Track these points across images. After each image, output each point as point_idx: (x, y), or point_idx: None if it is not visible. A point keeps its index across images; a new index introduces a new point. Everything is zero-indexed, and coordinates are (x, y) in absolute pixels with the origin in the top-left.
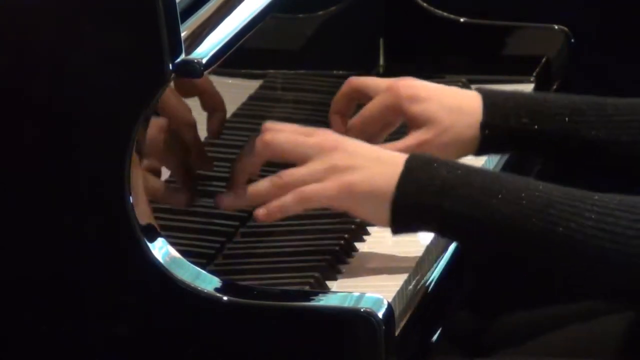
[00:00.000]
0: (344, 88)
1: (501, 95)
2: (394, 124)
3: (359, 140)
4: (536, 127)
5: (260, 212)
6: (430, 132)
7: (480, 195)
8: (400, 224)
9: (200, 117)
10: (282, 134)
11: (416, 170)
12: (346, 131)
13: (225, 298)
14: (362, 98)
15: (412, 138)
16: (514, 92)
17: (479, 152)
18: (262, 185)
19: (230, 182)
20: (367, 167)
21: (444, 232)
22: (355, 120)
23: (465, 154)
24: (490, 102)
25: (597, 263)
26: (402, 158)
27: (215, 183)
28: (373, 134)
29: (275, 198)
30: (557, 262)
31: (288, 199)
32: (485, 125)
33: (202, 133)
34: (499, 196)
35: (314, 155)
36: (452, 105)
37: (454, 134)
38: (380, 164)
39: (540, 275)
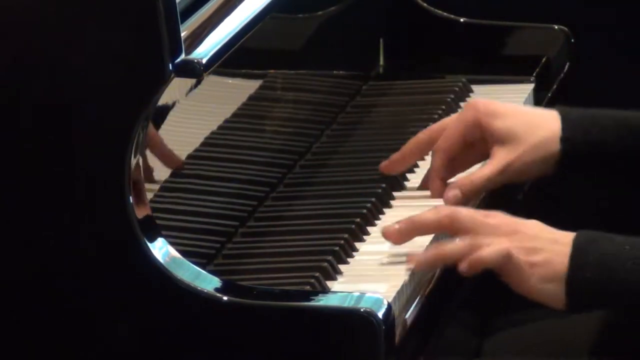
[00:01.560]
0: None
1: (579, 110)
2: (474, 146)
3: (534, 221)
4: (617, 141)
5: (462, 266)
6: (513, 151)
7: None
8: (578, 306)
9: (200, 118)
10: (465, 211)
11: (583, 251)
12: (432, 155)
13: (225, 298)
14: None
15: (497, 161)
16: (590, 109)
17: (558, 170)
18: (458, 248)
19: (406, 230)
20: (547, 250)
21: (618, 303)
22: (439, 143)
23: (545, 173)
24: (569, 117)
25: None
26: (569, 237)
27: (215, 183)
28: (457, 153)
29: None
30: None
31: (492, 254)
32: (565, 139)
33: (201, 133)
34: None
35: (492, 233)
36: (531, 121)
37: (535, 151)
38: (557, 245)
39: None
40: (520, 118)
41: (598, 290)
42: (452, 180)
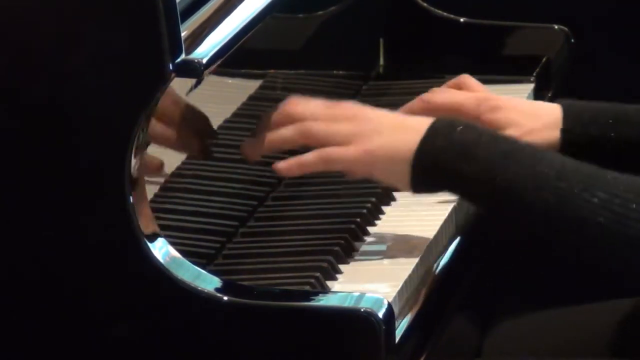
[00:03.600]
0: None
1: (580, 103)
2: None
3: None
4: (617, 133)
5: (281, 164)
6: (514, 133)
7: (496, 159)
8: (420, 185)
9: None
10: (315, 123)
11: (438, 133)
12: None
13: (225, 298)
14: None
15: None
16: (592, 102)
17: None
18: (287, 132)
19: (256, 137)
20: (389, 133)
21: (459, 193)
22: (430, 95)
23: None
24: (570, 109)
25: (599, 240)
26: (426, 123)
27: (215, 183)
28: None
29: (294, 145)
30: (561, 233)
31: (310, 156)
32: (565, 131)
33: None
34: (515, 161)
35: (337, 116)
36: (532, 111)
37: (535, 135)
38: (404, 130)
39: (546, 244)
40: (522, 110)
41: (441, 177)
42: None
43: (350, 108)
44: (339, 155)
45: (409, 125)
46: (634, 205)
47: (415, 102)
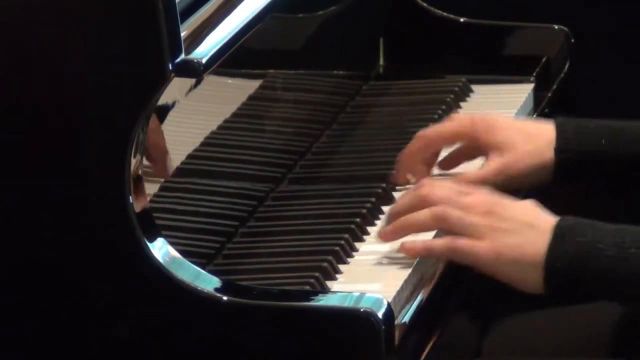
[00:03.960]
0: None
1: (574, 121)
2: (469, 156)
3: (513, 201)
4: (612, 150)
5: (408, 245)
6: (509, 156)
7: (623, 252)
8: (555, 289)
9: (200, 118)
10: (451, 210)
11: (562, 236)
12: (414, 138)
13: (225, 298)
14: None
15: (493, 164)
16: (586, 119)
17: (553, 179)
18: (423, 217)
19: (391, 218)
20: (519, 233)
21: (596, 291)
22: (427, 132)
23: (541, 181)
24: (564, 128)
25: None
26: (550, 223)
27: (215, 183)
28: (438, 150)
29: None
30: None
31: (440, 243)
32: (559, 150)
33: (201, 133)
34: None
35: (475, 207)
36: (527, 131)
37: (530, 159)
38: (532, 230)
39: None
40: (517, 129)
41: (576, 277)
42: (448, 172)
43: (487, 200)
44: (469, 250)
45: (536, 228)
46: None
47: (413, 144)
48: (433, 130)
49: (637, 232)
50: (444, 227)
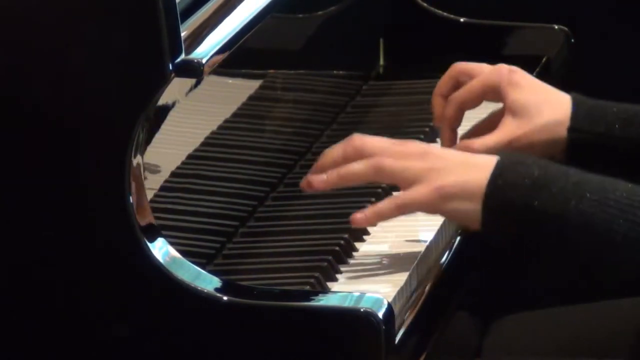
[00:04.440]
0: (449, 71)
1: (590, 102)
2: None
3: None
4: (625, 133)
5: (358, 216)
6: (521, 126)
7: (567, 191)
8: (491, 224)
9: (200, 118)
10: (387, 159)
11: (507, 170)
12: (447, 103)
13: (225, 298)
14: (466, 80)
15: (503, 133)
16: (601, 101)
17: (564, 157)
18: (359, 167)
19: (321, 169)
20: (457, 171)
21: (532, 231)
22: (457, 94)
23: (551, 156)
24: (580, 107)
25: None
26: (492, 160)
27: (215, 183)
28: (470, 108)
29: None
30: (636, 257)
31: (386, 204)
32: (572, 129)
33: (201, 133)
34: (585, 192)
35: (405, 154)
36: (545, 100)
37: (542, 131)
38: (471, 167)
39: (618, 281)
40: (537, 95)
41: (513, 212)
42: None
43: (419, 146)
44: (413, 199)
45: (477, 163)
46: None
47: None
48: (463, 65)
49: (594, 179)
50: (382, 178)
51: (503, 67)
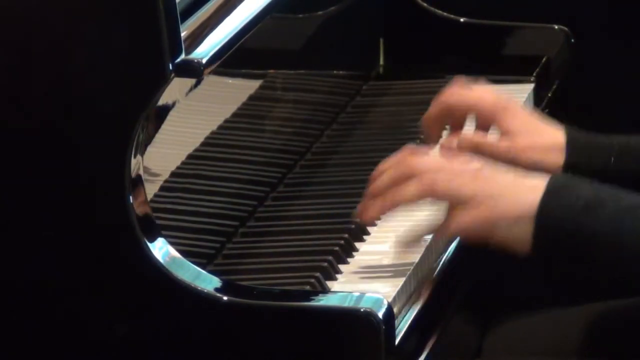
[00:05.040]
0: (439, 104)
1: (584, 136)
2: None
3: (497, 166)
4: (621, 168)
5: (403, 233)
6: (520, 142)
7: (620, 214)
8: (541, 244)
9: (200, 118)
10: (440, 179)
11: (559, 190)
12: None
13: (225, 298)
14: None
15: (506, 139)
16: (595, 134)
17: None
18: (411, 189)
19: (373, 194)
20: (510, 195)
21: (582, 254)
22: (447, 97)
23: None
24: (575, 142)
25: None
26: (541, 182)
27: (215, 183)
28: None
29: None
30: None
31: (443, 228)
32: (569, 165)
33: (201, 133)
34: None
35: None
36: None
37: (538, 156)
38: (524, 190)
39: None
40: (532, 128)
41: (566, 234)
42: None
43: (472, 165)
44: (467, 226)
45: (528, 185)
46: None
47: (435, 107)
48: (456, 98)
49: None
50: (435, 197)
51: (497, 100)
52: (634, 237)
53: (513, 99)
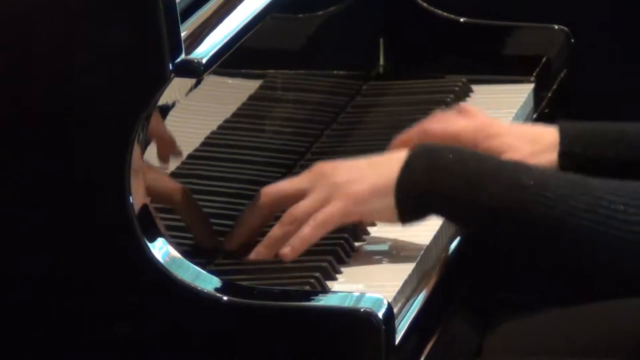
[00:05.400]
0: (417, 132)
1: (577, 125)
2: None
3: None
4: (616, 154)
5: (286, 250)
6: (512, 156)
7: (474, 178)
8: (407, 214)
9: (200, 118)
10: (294, 209)
11: (418, 159)
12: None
13: (225, 298)
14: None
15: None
16: (589, 122)
17: None
18: (275, 231)
19: (237, 237)
20: (366, 174)
21: (445, 216)
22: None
23: None
24: (568, 132)
25: (587, 246)
26: (402, 154)
27: (215, 183)
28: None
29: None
30: (545, 241)
31: (306, 230)
32: (563, 154)
33: (201, 133)
34: (496, 178)
35: (312, 186)
36: (529, 135)
37: (533, 159)
38: (379, 166)
39: (533, 257)
40: (518, 135)
41: (426, 192)
42: None
43: (315, 172)
44: (330, 213)
45: (384, 161)
46: (621, 207)
47: (414, 130)
48: (436, 126)
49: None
50: (297, 225)
51: (477, 125)
52: (488, 199)
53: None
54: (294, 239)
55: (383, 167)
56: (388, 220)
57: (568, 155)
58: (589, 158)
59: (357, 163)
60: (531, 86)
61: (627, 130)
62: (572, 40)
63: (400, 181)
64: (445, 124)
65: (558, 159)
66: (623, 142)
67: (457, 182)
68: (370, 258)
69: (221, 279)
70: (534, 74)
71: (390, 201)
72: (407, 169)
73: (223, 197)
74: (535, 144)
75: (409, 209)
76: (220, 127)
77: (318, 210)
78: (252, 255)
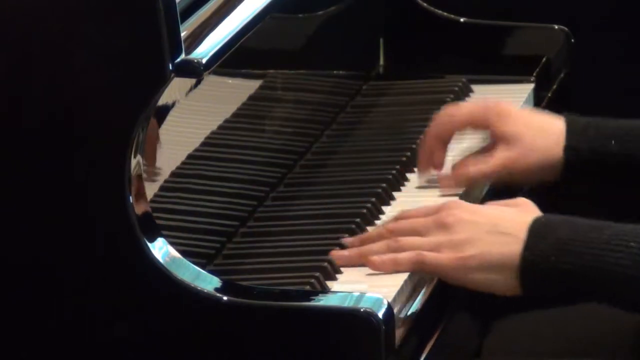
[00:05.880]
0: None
1: (584, 119)
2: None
3: (477, 206)
4: (622, 148)
5: (375, 259)
6: (516, 150)
7: (597, 251)
8: (532, 290)
9: (200, 118)
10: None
11: (538, 237)
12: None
13: (225, 298)
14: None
15: (498, 158)
16: (595, 118)
17: (561, 177)
18: (379, 247)
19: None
20: (484, 240)
21: (571, 290)
22: (438, 128)
23: (548, 179)
24: (574, 126)
25: None
26: (523, 226)
27: (215, 183)
28: (449, 137)
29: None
30: None
31: (405, 256)
32: (569, 148)
33: (201, 133)
34: (615, 247)
35: (432, 226)
36: (538, 126)
37: (538, 155)
38: (499, 235)
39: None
40: (528, 122)
41: (551, 275)
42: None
43: (446, 216)
44: (437, 262)
45: (505, 232)
46: None
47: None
48: (445, 117)
49: (618, 228)
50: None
51: (489, 102)
52: (610, 271)
53: (507, 101)
54: (389, 258)
55: (505, 238)
56: (494, 291)
57: (573, 150)
58: (594, 153)
59: (482, 220)
60: (531, 86)
61: (633, 126)
62: (572, 40)
63: (525, 262)
64: (452, 116)
65: (563, 153)
66: (629, 138)
67: (578, 260)
68: None
69: (221, 279)
70: (534, 74)
71: (506, 278)
72: (531, 250)
73: (223, 197)
74: (542, 135)
75: (535, 286)
76: (220, 127)
77: (426, 249)
78: (337, 258)
